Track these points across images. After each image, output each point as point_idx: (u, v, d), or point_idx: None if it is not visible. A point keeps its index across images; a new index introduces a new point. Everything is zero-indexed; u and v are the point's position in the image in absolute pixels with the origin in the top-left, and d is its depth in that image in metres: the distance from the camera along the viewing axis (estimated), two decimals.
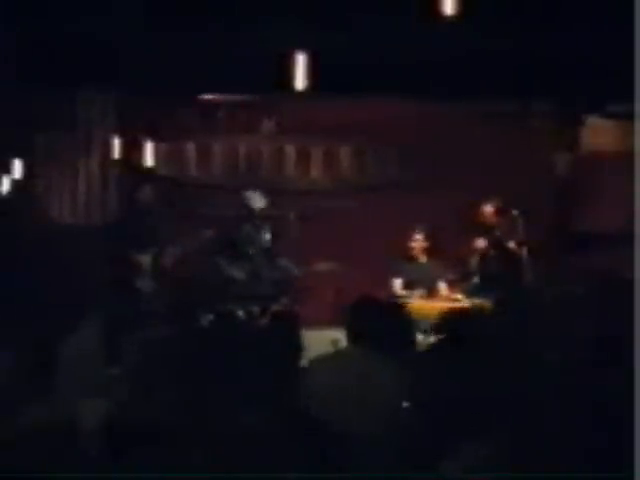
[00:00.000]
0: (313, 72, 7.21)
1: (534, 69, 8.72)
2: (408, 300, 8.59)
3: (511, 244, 8.88)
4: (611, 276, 8.76)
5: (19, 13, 7.62)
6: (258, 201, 9.13)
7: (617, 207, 9.80)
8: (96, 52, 8.32)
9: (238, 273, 8.74)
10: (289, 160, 10.55)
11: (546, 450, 2.80)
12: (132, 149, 9.85)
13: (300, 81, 7.24)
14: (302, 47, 7.21)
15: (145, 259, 8.97)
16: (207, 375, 3.79)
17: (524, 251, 8.78)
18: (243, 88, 9.73)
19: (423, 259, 9.18)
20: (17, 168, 9.29)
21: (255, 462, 2.90)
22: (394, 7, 7.47)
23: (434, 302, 8.62)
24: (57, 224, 10.07)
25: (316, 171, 10.57)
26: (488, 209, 9.11)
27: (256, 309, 8.36)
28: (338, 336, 5.40)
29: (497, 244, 9.00)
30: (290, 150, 10.56)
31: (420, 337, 6.34)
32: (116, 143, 9.73)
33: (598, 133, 10.31)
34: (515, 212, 8.90)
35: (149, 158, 9.60)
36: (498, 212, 9.03)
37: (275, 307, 8.31)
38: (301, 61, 7.20)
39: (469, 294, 8.74)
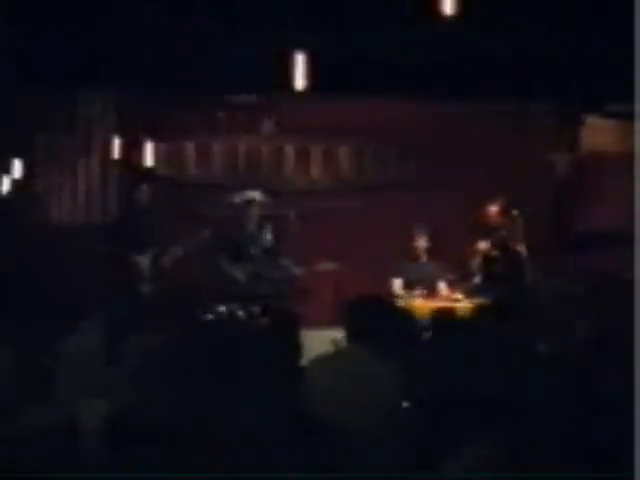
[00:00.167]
0: (313, 72, 7.21)
1: (534, 69, 8.72)
2: (408, 300, 8.60)
3: (514, 244, 8.87)
4: (611, 276, 8.76)
5: (19, 13, 7.62)
6: (257, 196, 9.11)
7: (617, 207, 9.80)
8: (96, 52, 8.32)
9: (239, 273, 8.74)
10: (289, 160, 10.56)
11: (546, 450, 2.80)
12: (132, 149, 9.85)
13: (300, 81, 7.24)
14: (302, 47, 7.21)
15: (145, 259, 8.97)
16: (207, 375, 3.79)
17: (524, 251, 8.78)
18: (243, 88, 9.74)
19: (423, 259, 9.18)
20: (17, 168, 9.29)
21: (255, 462, 2.90)
22: (394, 7, 7.47)
23: (434, 302, 8.62)
24: (57, 224, 10.07)
25: (316, 171, 10.57)
26: (493, 209, 9.11)
27: (256, 309, 8.35)
28: (338, 336, 5.39)
29: (501, 244, 9.00)
30: (290, 150, 10.56)
31: (420, 337, 6.33)
32: (116, 143, 9.73)
33: (598, 133, 10.31)
34: (515, 212, 8.90)
35: (149, 158, 9.60)
36: (503, 212, 9.02)
37: (275, 307, 8.30)
38: (301, 61, 7.20)
39: (469, 294, 8.74)
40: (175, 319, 5.51)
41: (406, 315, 6.52)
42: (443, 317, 6.33)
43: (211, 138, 10.51)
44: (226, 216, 9.24)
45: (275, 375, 4.24)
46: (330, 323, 6.86)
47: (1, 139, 9.22)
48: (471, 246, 9.09)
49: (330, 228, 9.85)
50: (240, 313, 8.21)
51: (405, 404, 4.40)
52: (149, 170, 9.77)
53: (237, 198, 9.09)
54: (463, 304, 8.40)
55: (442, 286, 9.03)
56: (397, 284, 9.08)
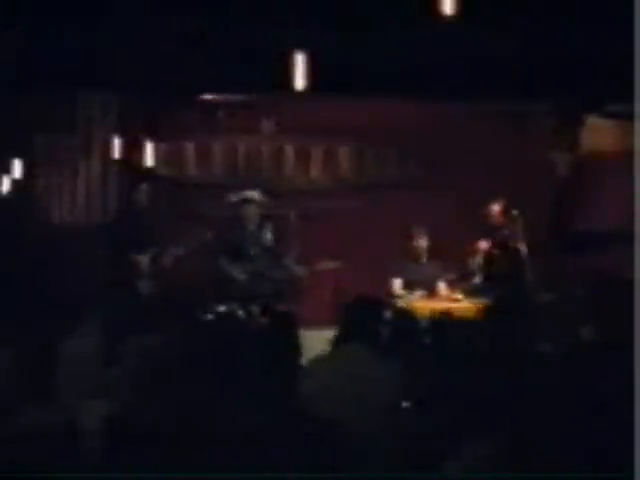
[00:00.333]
0: (313, 72, 7.20)
1: (534, 69, 8.72)
2: (408, 300, 8.59)
3: (515, 243, 8.87)
4: (611, 276, 8.76)
5: (19, 13, 7.62)
6: (256, 195, 9.09)
7: (617, 207, 9.80)
8: (96, 52, 8.32)
9: (239, 273, 8.73)
10: (289, 160, 10.55)
11: (546, 450, 2.80)
12: (132, 149, 9.85)
13: (300, 81, 7.23)
14: (302, 47, 7.21)
15: (145, 259, 8.96)
16: (206, 375, 3.79)
17: (525, 251, 8.78)
18: (243, 88, 9.73)
19: (423, 259, 9.18)
20: (17, 168, 9.28)
21: (255, 462, 2.90)
22: (394, 7, 7.47)
23: (434, 302, 8.62)
24: (57, 224, 10.07)
25: (316, 171, 10.57)
26: (495, 208, 9.10)
27: (256, 309, 8.34)
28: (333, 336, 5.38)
29: (503, 243, 9.00)
30: (290, 150, 10.56)
31: (420, 337, 6.32)
32: (116, 143, 9.73)
33: (598, 133, 10.31)
34: (515, 212, 8.90)
35: (149, 158, 9.60)
36: (505, 211, 9.02)
37: (274, 307, 8.30)
38: (301, 61, 7.20)
39: (469, 294, 8.74)
40: (175, 319, 5.51)
41: (404, 315, 6.52)
42: (443, 318, 6.33)
43: (211, 138, 10.51)
44: (226, 216, 9.24)
45: (274, 375, 4.24)
46: (330, 323, 6.85)
47: (1, 139, 9.22)
48: (472, 245, 9.09)
49: (330, 228, 9.85)
50: (240, 313, 8.20)
51: (405, 404, 4.40)
52: (149, 170, 9.77)
53: (234, 197, 9.08)
54: (463, 304, 8.41)
55: (442, 286, 9.03)
56: (397, 284, 9.07)
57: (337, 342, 4.86)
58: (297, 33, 7.51)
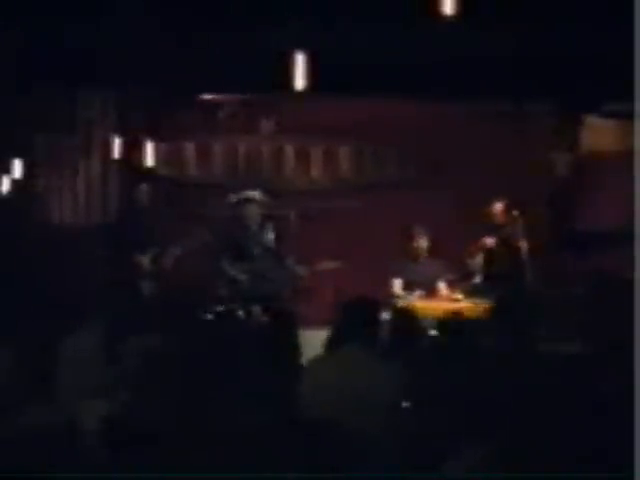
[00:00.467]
0: (313, 72, 7.21)
1: (534, 69, 8.72)
2: (408, 300, 8.59)
3: (516, 243, 8.86)
4: (611, 276, 8.76)
5: (19, 13, 7.62)
6: (257, 195, 9.07)
7: (617, 207, 9.80)
8: (96, 52, 8.32)
9: (240, 274, 8.71)
10: (289, 160, 10.55)
11: (546, 450, 2.80)
12: (132, 149, 9.85)
13: (300, 81, 7.24)
14: (302, 47, 7.21)
15: (145, 259, 8.96)
16: (206, 375, 3.79)
17: (526, 251, 8.77)
18: (243, 88, 9.73)
19: (423, 259, 9.17)
20: (17, 168, 9.29)
21: (255, 462, 2.90)
22: (394, 7, 7.47)
23: (434, 302, 8.62)
24: (57, 224, 10.07)
25: (316, 171, 10.57)
26: (498, 207, 9.09)
27: (256, 309, 8.34)
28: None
29: (505, 242, 8.99)
30: (290, 150, 10.56)
31: (420, 337, 6.33)
32: (116, 143, 9.73)
33: (598, 133, 10.31)
34: (515, 212, 8.90)
35: (149, 158, 9.60)
36: (508, 210, 9.01)
37: (275, 307, 8.29)
38: (301, 61, 7.20)
39: (469, 294, 8.73)
40: (175, 319, 5.51)
41: (403, 315, 6.52)
42: (443, 318, 6.33)
43: (211, 138, 10.51)
44: (227, 216, 9.23)
45: (274, 375, 4.24)
46: (330, 323, 6.85)
47: (1, 139, 9.22)
48: (475, 243, 9.08)
49: (330, 228, 9.85)
50: (240, 313, 8.20)
51: (405, 404, 4.40)
52: (149, 170, 9.77)
53: (236, 197, 9.07)
54: (463, 304, 8.40)
55: (442, 286, 9.03)
56: (397, 284, 9.07)
57: (336, 342, 4.86)
58: (297, 33, 7.51)
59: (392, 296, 8.79)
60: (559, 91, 9.36)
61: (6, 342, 4.74)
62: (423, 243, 9.17)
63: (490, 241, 9.05)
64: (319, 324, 7.33)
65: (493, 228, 9.14)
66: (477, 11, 6.64)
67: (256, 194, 9.07)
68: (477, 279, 9.05)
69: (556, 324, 6.82)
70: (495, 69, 8.62)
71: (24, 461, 3.04)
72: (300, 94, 7.43)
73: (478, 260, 9.08)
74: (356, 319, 4.82)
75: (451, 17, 6.16)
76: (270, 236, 8.90)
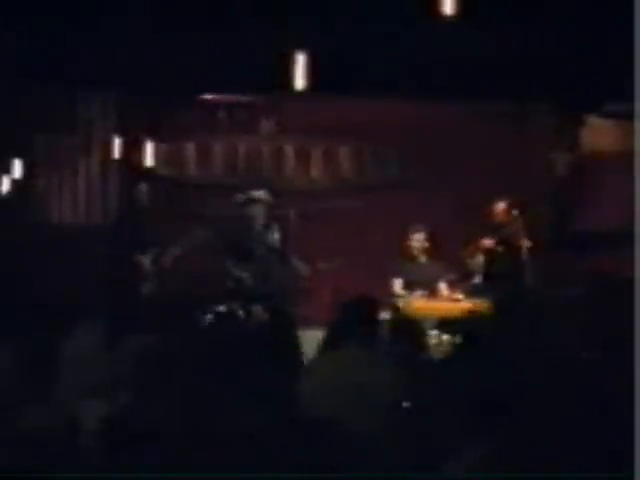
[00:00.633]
0: (313, 72, 7.21)
1: (534, 69, 8.72)
2: (408, 300, 8.59)
3: (517, 242, 8.86)
4: (611, 276, 8.76)
5: (19, 13, 7.62)
6: (262, 195, 9.06)
7: (617, 207, 9.80)
8: (96, 52, 8.32)
9: (244, 273, 8.69)
10: (289, 160, 10.55)
11: (546, 450, 2.80)
12: (132, 149, 9.85)
13: (300, 81, 7.24)
14: (302, 47, 7.21)
15: (145, 259, 8.96)
16: (206, 375, 3.79)
17: (526, 250, 8.77)
18: (243, 88, 9.74)
19: (423, 259, 9.17)
20: (17, 168, 9.29)
21: (255, 462, 2.90)
22: (394, 7, 7.47)
23: (434, 302, 8.62)
24: (57, 224, 10.07)
25: (316, 171, 10.57)
26: (500, 206, 9.09)
27: (257, 309, 8.33)
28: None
29: (505, 242, 8.99)
30: (290, 150, 10.56)
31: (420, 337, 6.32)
32: (116, 143, 9.73)
33: (598, 133, 10.31)
34: (515, 212, 8.89)
35: (149, 158, 9.60)
36: (509, 210, 9.00)
37: (280, 307, 8.28)
38: (301, 61, 7.20)
39: (469, 294, 8.73)
40: (176, 319, 5.52)
41: (402, 315, 6.52)
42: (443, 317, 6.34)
43: (211, 138, 10.51)
44: (232, 215, 9.21)
45: (274, 375, 4.24)
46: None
47: (1, 139, 9.22)
48: (476, 243, 9.07)
49: (330, 228, 9.84)
50: (240, 313, 8.19)
51: (405, 404, 4.40)
52: (149, 170, 9.78)
53: (242, 197, 9.05)
54: (463, 304, 8.40)
55: (442, 286, 9.02)
56: (397, 284, 9.06)
57: (333, 341, 4.86)
58: (297, 33, 7.51)
59: (392, 296, 8.79)
60: (559, 91, 9.36)
61: (6, 342, 4.74)
62: (423, 243, 9.17)
63: (490, 241, 9.04)
64: (319, 324, 7.34)
65: (493, 228, 9.13)
66: (477, 11, 6.64)
67: (262, 194, 9.06)
68: (477, 279, 9.05)
69: (556, 324, 6.82)
70: (495, 69, 8.62)
71: (24, 461, 3.04)
72: (300, 94, 7.43)
73: (478, 260, 9.07)
74: (354, 318, 4.82)
75: (451, 17, 6.16)
76: (275, 236, 8.89)
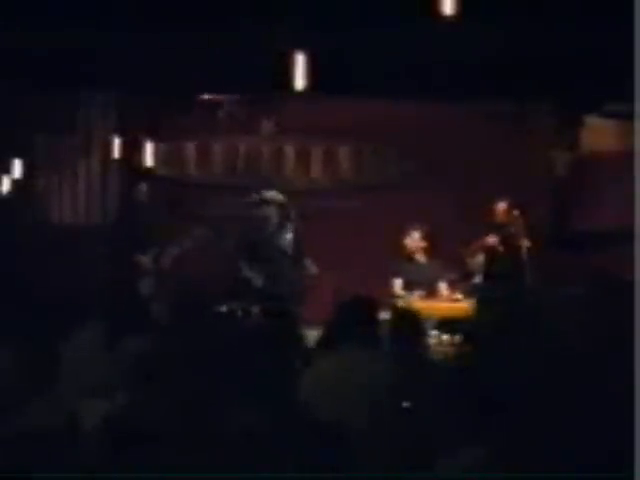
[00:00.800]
0: (313, 72, 7.21)
1: (534, 69, 8.72)
2: (408, 300, 8.59)
3: (518, 242, 8.86)
4: (611, 276, 8.75)
5: (19, 13, 7.62)
6: (275, 195, 9.01)
7: (617, 207, 9.80)
8: (96, 52, 8.32)
9: (256, 274, 8.66)
10: (289, 160, 10.56)
11: (546, 450, 2.80)
12: (132, 149, 9.85)
13: (300, 81, 7.24)
14: (302, 47, 7.21)
15: (145, 259, 8.97)
16: (206, 375, 3.79)
17: (526, 250, 8.77)
18: (243, 88, 9.74)
19: (423, 259, 9.17)
20: (17, 168, 9.29)
21: (254, 462, 2.90)
22: (394, 7, 7.47)
23: (434, 302, 8.62)
24: (57, 224, 10.07)
25: (316, 171, 10.58)
26: (501, 206, 9.08)
27: (255, 308, 8.32)
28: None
29: (505, 242, 8.99)
30: (290, 150, 10.56)
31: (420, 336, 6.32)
32: (116, 143, 9.73)
33: (598, 133, 10.31)
34: (515, 212, 8.89)
35: (149, 158, 9.61)
36: (511, 210, 9.00)
37: (277, 306, 8.27)
38: (301, 61, 7.20)
39: (469, 294, 8.73)
40: (176, 319, 5.52)
41: (402, 315, 6.51)
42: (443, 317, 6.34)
43: (211, 138, 10.51)
44: (235, 216, 9.19)
45: (274, 375, 4.24)
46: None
47: (1, 139, 9.22)
48: (477, 242, 9.07)
49: (330, 228, 9.84)
50: (240, 313, 8.19)
51: (405, 404, 4.40)
52: (149, 170, 9.78)
53: (256, 197, 9.00)
54: (463, 304, 8.40)
55: (442, 286, 9.02)
56: (397, 284, 9.06)
57: (330, 341, 4.86)
58: (297, 33, 7.51)
59: (392, 296, 8.78)
60: (559, 91, 9.36)
61: (6, 342, 4.74)
62: (423, 243, 9.17)
63: (490, 241, 9.04)
64: (319, 324, 7.34)
65: (493, 228, 9.13)
66: (477, 11, 6.64)
67: (275, 195, 9.02)
68: (477, 279, 9.05)
69: (555, 324, 6.81)
70: (495, 69, 8.62)
71: (24, 461, 3.04)
72: (300, 94, 7.43)
73: (478, 260, 9.07)
74: (351, 319, 4.82)
75: (451, 17, 6.16)
76: (288, 237, 8.85)
